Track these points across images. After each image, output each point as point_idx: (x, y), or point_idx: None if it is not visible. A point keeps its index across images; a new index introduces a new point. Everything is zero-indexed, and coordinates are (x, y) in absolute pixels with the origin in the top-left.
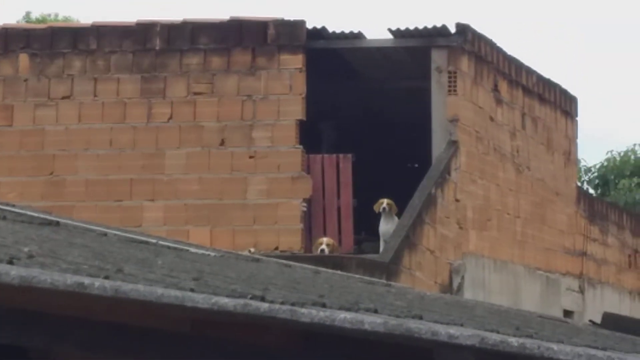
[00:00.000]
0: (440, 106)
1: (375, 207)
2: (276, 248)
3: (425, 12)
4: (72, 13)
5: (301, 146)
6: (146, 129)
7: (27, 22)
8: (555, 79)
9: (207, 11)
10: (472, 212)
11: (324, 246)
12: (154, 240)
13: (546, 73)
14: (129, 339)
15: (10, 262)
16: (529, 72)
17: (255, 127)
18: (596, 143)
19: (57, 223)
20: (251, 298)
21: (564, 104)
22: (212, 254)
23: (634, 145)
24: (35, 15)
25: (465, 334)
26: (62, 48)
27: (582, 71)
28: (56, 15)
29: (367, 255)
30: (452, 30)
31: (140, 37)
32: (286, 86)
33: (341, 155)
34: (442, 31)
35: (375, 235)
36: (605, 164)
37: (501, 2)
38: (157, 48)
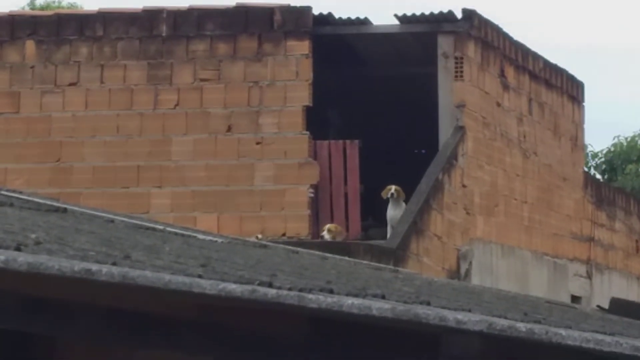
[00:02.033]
0: (447, 92)
1: (383, 194)
2: (283, 234)
3: None
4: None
5: (308, 132)
6: (153, 116)
7: (31, 8)
8: (561, 64)
9: None
10: (479, 198)
11: (324, 232)
12: (161, 227)
13: (553, 58)
14: (136, 325)
15: (18, 249)
16: (536, 57)
17: (261, 113)
18: (603, 128)
19: (65, 210)
20: (259, 284)
21: (570, 89)
22: (220, 240)
23: None
24: (39, 1)
25: (473, 320)
26: (68, 35)
27: (589, 55)
28: (60, 1)
29: (374, 242)
30: (459, 15)
31: (146, 24)
32: (292, 72)
33: (348, 142)
34: (448, 17)
35: (382, 221)
36: (612, 149)
37: None
38: (164, 34)
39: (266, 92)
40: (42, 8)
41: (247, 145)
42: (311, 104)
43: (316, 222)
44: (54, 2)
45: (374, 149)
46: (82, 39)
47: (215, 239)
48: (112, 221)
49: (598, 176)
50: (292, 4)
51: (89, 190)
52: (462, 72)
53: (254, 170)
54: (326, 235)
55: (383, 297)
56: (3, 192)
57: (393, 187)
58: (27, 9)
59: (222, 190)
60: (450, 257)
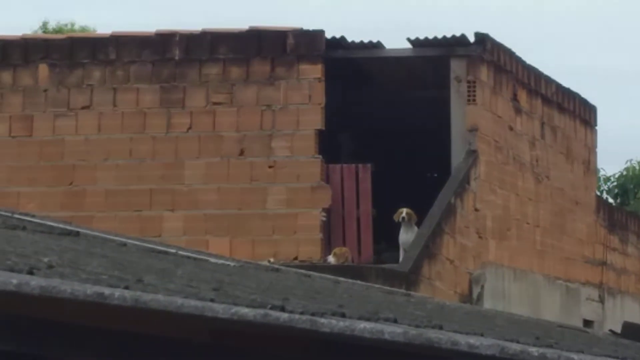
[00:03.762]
0: (460, 116)
1: (395, 217)
2: (295, 258)
3: (444, 22)
4: (89, 22)
5: (320, 156)
6: (165, 139)
7: (44, 32)
8: (574, 86)
9: (226, 21)
10: (492, 222)
11: (329, 257)
12: (173, 251)
13: (566, 81)
14: (149, 349)
15: (31, 272)
16: (548, 81)
17: (274, 137)
18: (615, 152)
19: (77, 233)
20: (271, 308)
21: (583, 113)
22: (232, 264)
23: None
24: (52, 25)
25: (485, 344)
26: (81, 58)
27: (602, 78)
28: (72, 24)
29: (386, 265)
30: (471, 39)
31: (159, 48)
32: (305, 96)
33: (360, 165)
34: (461, 41)
35: (394, 244)
36: (625, 173)
37: (520, 11)
38: (177, 58)
39: (279, 115)
40: (55, 31)
41: (260, 168)
42: (324, 128)
43: (328, 246)
44: (66, 25)
45: (387, 172)
46: (95, 63)
47: (227, 262)
48: (125, 245)
49: (610, 200)
50: (305, 28)
51: (101, 214)
52: (474, 95)
53: (267, 194)
54: (331, 259)
55: (395, 321)
56: (16, 216)
57: (404, 210)
58: (39, 32)
59: (235, 213)
60: (463, 281)
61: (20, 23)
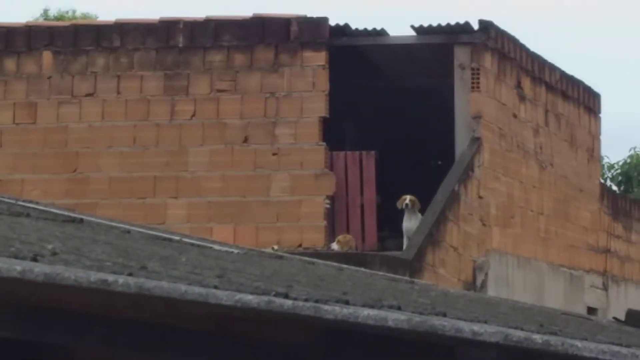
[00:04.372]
0: (463, 103)
1: (398, 204)
2: (299, 245)
3: (447, 9)
4: (90, 9)
5: (324, 143)
6: (169, 127)
7: (45, 19)
8: (578, 74)
9: (230, 8)
10: (496, 209)
11: (333, 244)
12: (177, 238)
13: (569, 69)
14: (153, 336)
15: (34, 259)
16: (552, 68)
17: (278, 124)
18: (619, 140)
19: (81, 220)
20: (275, 295)
21: (587, 100)
22: (236, 251)
23: None
24: (53, 12)
25: (489, 331)
26: (85, 45)
27: (606, 65)
28: (74, 11)
29: (390, 253)
30: (475, 27)
31: (163, 35)
32: (309, 83)
33: (364, 153)
34: (465, 28)
35: (398, 232)
36: (629, 160)
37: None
38: (180, 45)
39: (282, 103)
40: (56, 19)
41: (264, 156)
42: (327, 115)
43: (332, 233)
44: (67, 12)
45: (390, 160)
46: (98, 50)
47: (231, 249)
48: (129, 232)
49: (614, 188)
50: (309, 15)
51: (105, 201)
52: (478, 83)
53: (270, 181)
54: (335, 246)
55: (399, 308)
56: (20, 203)
57: (408, 197)
58: (40, 19)
59: (238, 201)
60: (466, 269)
61: (21, 10)
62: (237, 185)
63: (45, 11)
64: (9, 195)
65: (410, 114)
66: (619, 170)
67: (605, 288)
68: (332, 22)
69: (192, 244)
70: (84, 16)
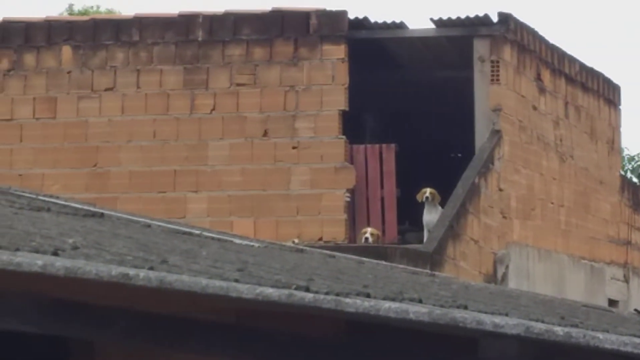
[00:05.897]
0: (483, 96)
1: (418, 197)
2: (320, 239)
3: (467, 2)
4: (114, 5)
5: (344, 136)
6: (189, 120)
7: (69, 14)
8: (598, 67)
9: (249, 2)
10: (516, 202)
11: (367, 235)
12: (198, 232)
13: (589, 61)
14: (174, 329)
15: (55, 254)
16: (572, 60)
17: (298, 117)
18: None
19: (102, 215)
20: (295, 288)
21: (607, 92)
22: (256, 244)
23: None
24: (77, 7)
25: (510, 323)
26: (104, 40)
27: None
28: (98, 7)
29: (410, 245)
30: (495, 19)
31: (182, 29)
32: (329, 76)
33: (384, 145)
34: (484, 20)
35: (419, 225)
36: None
37: None
38: (200, 39)
39: (302, 96)
40: (80, 14)
41: (284, 149)
42: (347, 108)
43: (353, 227)
44: (92, 7)
45: (410, 152)
46: (118, 44)
47: (251, 243)
48: (149, 226)
49: (635, 180)
50: (328, 8)
51: (125, 195)
52: (498, 75)
53: (290, 174)
54: (370, 238)
55: (420, 301)
56: (40, 198)
57: (428, 190)
58: (65, 14)
59: (259, 194)
60: (487, 261)
61: (46, 6)
62: (257, 179)
63: (70, 6)
64: (29, 189)
65: (429, 107)
66: (639, 162)
67: (626, 280)
68: (351, 15)
69: (213, 238)
70: (108, 12)
